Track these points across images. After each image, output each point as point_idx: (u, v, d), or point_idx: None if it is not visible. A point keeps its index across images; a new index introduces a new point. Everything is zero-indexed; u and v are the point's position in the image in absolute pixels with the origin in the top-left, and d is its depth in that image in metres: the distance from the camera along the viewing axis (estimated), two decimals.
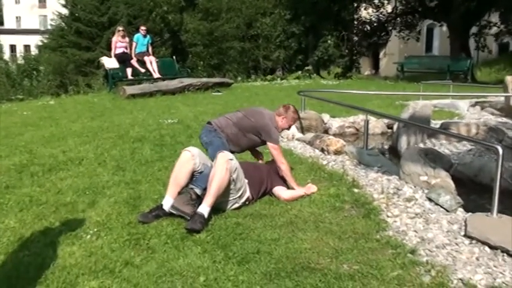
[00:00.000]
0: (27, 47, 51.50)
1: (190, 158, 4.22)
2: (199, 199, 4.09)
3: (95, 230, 3.85)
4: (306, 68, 25.01)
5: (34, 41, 45.02)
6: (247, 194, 4.33)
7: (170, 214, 4.03)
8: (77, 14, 30.90)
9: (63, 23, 33.19)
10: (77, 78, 25.22)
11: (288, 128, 5.18)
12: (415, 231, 3.79)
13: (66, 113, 10.10)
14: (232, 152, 4.41)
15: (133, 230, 3.82)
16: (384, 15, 26.97)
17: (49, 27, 39.79)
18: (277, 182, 4.64)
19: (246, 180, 4.33)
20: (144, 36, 14.22)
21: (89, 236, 3.72)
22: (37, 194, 4.72)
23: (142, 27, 14.45)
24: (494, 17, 24.01)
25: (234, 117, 4.82)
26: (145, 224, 3.92)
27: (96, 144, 6.83)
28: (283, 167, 4.66)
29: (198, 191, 4.13)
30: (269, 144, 4.69)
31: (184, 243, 3.56)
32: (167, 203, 4.07)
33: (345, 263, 3.24)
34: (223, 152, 4.16)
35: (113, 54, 14.13)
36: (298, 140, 7.25)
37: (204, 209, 3.87)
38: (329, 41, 24.37)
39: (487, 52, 25.51)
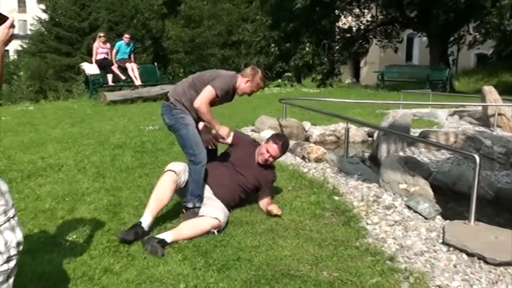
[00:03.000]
0: (6, 52, 50.77)
1: (175, 180, 4.02)
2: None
3: (74, 237, 3.82)
4: (286, 74, 25.06)
5: (13, 45, 44.46)
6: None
7: (149, 233, 3.85)
8: (57, 19, 30.63)
9: (43, 28, 32.88)
10: (57, 84, 24.97)
11: (250, 94, 4.44)
12: (394, 238, 3.83)
13: (45, 118, 10.00)
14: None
15: (113, 237, 3.79)
16: (364, 24, 27.24)
17: (28, 32, 39.36)
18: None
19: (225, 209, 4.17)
20: (128, 44, 14.09)
21: (68, 243, 3.69)
22: (15, 201, 4.63)
23: (126, 35, 14.29)
24: (472, 29, 24.43)
25: (191, 78, 4.32)
26: (125, 241, 3.66)
27: (76, 150, 6.77)
28: (203, 107, 4.05)
29: (197, 204, 4.10)
30: (207, 85, 4.09)
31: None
32: (146, 221, 3.83)
33: (325, 270, 3.26)
34: (216, 215, 3.91)
35: (93, 60, 14.03)
36: None
37: (168, 237, 3.66)
38: (307, 48, 24.51)
39: (465, 62, 25.93)
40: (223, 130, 4.31)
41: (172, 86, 4.31)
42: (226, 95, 4.25)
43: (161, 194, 3.98)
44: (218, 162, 4.47)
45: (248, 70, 4.32)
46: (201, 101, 4.05)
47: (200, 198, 4.16)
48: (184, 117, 4.13)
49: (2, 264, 2.09)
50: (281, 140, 4.47)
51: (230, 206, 4.28)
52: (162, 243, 3.56)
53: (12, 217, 2.17)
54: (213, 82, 4.10)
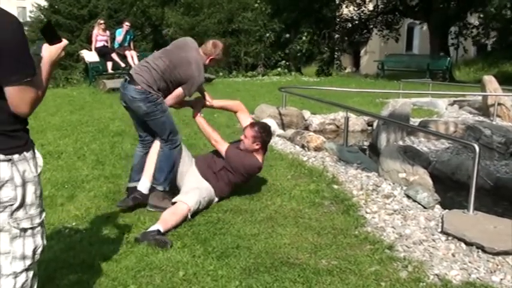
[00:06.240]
0: None
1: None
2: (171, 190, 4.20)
3: (74, 224, 3.83)
4: (285, 62, 24.96)
5: None
6: (215, 198, 4.30)
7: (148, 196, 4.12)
8: (56, 6, 30.40)
9: (42, 15, 32.67)
10: (56, 71, 24.86)
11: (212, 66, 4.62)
12: (393, 227, 3.84)
13: (45, 106, 9.95)
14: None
15: (112, 224, 3.80)
16: (365, 13, 27.12)
17: (28, 19, 39.14)
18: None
19: (211, 190, 4.25)
20: (127, 31, 14.01)
21: (67, 230, 3.70)
22: None
23: (127, 23, 14.24)
24: (473, 18, 24.34)
25: (158, 68, 4.09)
26: (123, 207, 4.04)
27: (75, 138, 6.77)
28: (175, 105, 4.41)
29: (167, 188, 4.19)
30: (181, 87, 4.19)
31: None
32: (144, 185, 4.11)
33: (324, 259, 3.27)
34: (185, 199, 3.93)
35: (93, 48, 13.97)
36: (278, 136, 7.27)
37: (160, 228, 3.62)
38: (304, 37, 24.42)
39: (464, 51, 25.83)
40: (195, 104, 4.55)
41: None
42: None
43: (151, 157, 4.19)
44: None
45: (210, 47, 4.27)
46: (172, 102, 4.30)
47: (169, 182, 4.22)
48: (162, 104, 4.13)
49: (21, 272, 1.99)
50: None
51: (219, 187, 4.30)
52: (160, 233, 3.56)
53: (43, 222, 2.09)
54: (189, 87, 4.20)
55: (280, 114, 8.46)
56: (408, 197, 4.44)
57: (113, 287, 2.91)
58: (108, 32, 14.05)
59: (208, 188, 4.21)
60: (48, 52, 2.03)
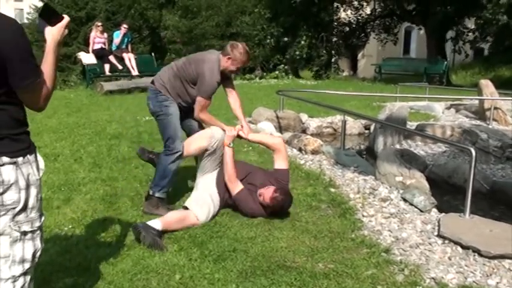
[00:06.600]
0: None
1: (208, 139, 4.14)
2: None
3: (70, 226, 3.82)
4: (283, 66, 25.00)
5: None
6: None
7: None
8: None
9: None
10: None
11: (236, 71, 4.42)
12: (389, 230, 3.84)
13: None
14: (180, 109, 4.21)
15: (109, 227, 3.80)
16: (362, 17, 27.17)
17: (25, 21, 39.12)
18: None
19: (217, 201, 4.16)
20: (125, 34, 14.00)
21: (63, 233, 3.69)
22: None
23: (124, 25, 14.23)
24: (471, 23, 24.39)
25: (175, 66, 4.25)
26: (139, 157, 4.48)
27: (72, 140, 6.76)
28: (202, 116, 4.24)
29: (157, 194, 4.14)
30: (197, 96, 4.15)
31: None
32: None
33: (321, 262, 3.27)
34: (198, 213, 3.89)
35: (90, 50, 13.96)
36: None
37: (159, 226, 3.62)
38: (302, 42, 24.45)
39: (463, 56, 25.88)
40: (228, 132, 4.26)
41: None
42: (218, 84, 4.24)
43: (189, 140, 4.24)
44: (242, 166, 4.39)
45: (228, 48, 4.16)
46: (198, 113, 4.19)
47: (163, 189, 4.14)
48: (169, 106, 4.15)
49: (19, 276, 1.98)
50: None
51: (223, 200, 4.20)
52: (159, 234, 3.55)
53: (42, 225, 2.08)
54: (200, 88, 4.11)
55: (277, 117, 8.46)
56: (405, 200, 4.45)
57: None
58: (105, 34, 14.06)
59: (218, 205, 4.14)
60: (51, 35, 2.08)
